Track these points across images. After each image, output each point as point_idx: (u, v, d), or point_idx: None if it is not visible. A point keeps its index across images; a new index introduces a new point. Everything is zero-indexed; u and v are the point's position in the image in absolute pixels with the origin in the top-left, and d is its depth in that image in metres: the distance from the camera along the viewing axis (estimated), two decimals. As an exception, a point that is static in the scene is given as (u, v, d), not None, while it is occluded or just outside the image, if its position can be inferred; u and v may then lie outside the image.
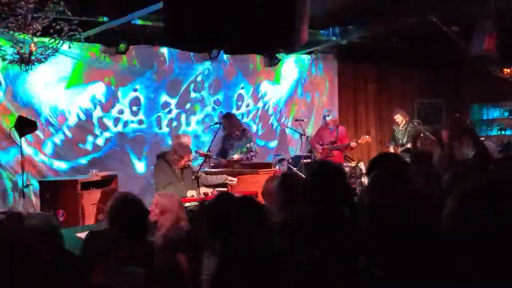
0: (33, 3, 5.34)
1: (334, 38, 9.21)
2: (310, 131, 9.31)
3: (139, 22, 7.23)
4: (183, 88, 8.68)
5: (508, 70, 9.78)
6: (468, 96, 11.92)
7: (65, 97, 7.49)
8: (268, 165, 7.32)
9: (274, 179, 3.98)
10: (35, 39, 5.70)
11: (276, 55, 9.22)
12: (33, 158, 7.15)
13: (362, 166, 8.76)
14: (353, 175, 7.79)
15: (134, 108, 8.19)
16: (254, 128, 9.50)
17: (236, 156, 7.48)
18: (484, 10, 7.26)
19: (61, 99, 7.45)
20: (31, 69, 5.89)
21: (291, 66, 9.98)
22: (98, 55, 7.71)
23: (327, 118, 8.81)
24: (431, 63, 10.58)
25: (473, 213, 1.27)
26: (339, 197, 2.89)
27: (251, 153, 7.63)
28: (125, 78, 8.08)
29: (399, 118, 9.32)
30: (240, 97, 9.42)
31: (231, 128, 7.66)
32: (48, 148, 7.38)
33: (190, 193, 5.99)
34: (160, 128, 8.48)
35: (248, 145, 7.53)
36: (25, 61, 5.61)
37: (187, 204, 5.40)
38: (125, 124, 8.11)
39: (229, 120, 7.74)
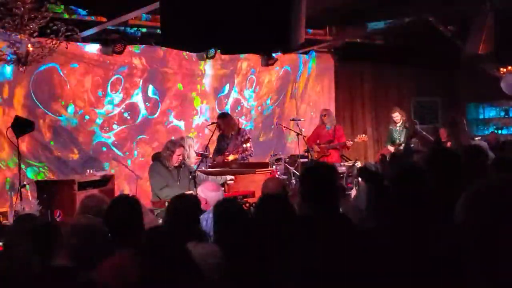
0: (30, 3, 5.34)
1: (330, 38, 9.23)
2: (307, 130, 9.30)
3: (136, 22, 7.23)
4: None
5: (504, 70, 9.80)
6: (464, 95, 11.95)
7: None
8: (265, 165, 7.32)
9: (274, 179, 4.01)
10: (32, 40, 5.69)
11: (273, 54, 9.21)
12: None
13: (359, 165, 8.77)
14: (350, 174, 7.80)
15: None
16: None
17: (231, 157, 7.47)
18: (481, 9, 7.28)
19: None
20: None
21: (287, 65, 9.97)
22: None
23: (324, 118, 8.80)
24: (427, 62, 10.60)
25: (484, 210, 1.28)
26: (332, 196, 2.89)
27: (247, 152, 7.62)
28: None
29: (397, 116, 9.29)
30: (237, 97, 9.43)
31: (226, 128, 7.64)
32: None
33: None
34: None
35: (244, 145, 7.50)
36: (22, 61, 5.60)
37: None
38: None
39: (224, 119, 7.72)
